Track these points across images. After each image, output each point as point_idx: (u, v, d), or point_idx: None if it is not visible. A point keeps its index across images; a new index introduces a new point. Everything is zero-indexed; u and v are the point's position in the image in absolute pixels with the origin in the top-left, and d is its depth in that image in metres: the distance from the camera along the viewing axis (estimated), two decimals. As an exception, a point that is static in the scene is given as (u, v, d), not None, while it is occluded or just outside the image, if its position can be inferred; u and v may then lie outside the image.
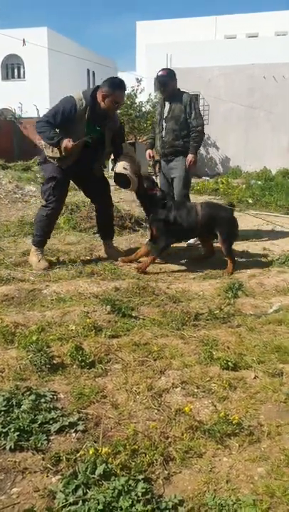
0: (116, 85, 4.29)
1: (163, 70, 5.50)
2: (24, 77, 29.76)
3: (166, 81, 5.35)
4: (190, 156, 5.33)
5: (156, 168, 5.78)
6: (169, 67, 17.78)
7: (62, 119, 4.22)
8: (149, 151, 5.80)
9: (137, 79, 16.34)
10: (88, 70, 32.94)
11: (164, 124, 5.42)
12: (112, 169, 4.76)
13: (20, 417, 1.99)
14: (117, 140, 4.60)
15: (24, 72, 29.73)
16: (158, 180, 5.56)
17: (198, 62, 16.05)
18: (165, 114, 5.42)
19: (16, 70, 30.28)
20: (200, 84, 14.10)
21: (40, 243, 4.57)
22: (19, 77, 30.16)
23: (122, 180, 4.53)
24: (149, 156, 5.79)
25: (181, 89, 5.46)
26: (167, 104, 5.43)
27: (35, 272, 4.33)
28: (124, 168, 4.44)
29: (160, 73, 5.40)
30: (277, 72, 14.63)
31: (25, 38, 21.54)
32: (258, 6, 75.22)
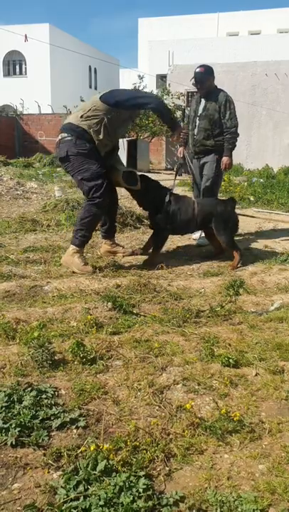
0: None
1: (200, 66, 5.37)
2: (26, 73, 29.73)
3: (203, 78, 5.27)
4: (225, 159, 5.29)
5: (178, 171, 5.72)
6: (170, 64, 17.81)
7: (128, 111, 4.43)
8: (180, 149, 5.63)
9: (139, 76, 16.31)
10: (90, 67, 32.90)
11: (197, 122, 5.37)
12: None
13: (21, 412, 1.99)
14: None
15: (26, 68, 29.70)
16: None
17: (200, 59, 15.99)
18: (199, 112, 5.37)
19: (17, 67, 30.24)
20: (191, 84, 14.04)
21: (83, 243, 4.38)
22: (21, 73, 30.13)
23: (130, 178, 4.56)
24: (180, 153, 5.62)
25: (218, 87, 5.42)
26: (203, 102, 5.37)
27: (36, 269, 4.33)
28: (128, 168, 4.56)
29: (197, 70, 5.29)
30: (280, 69, 14.59)
31: (27, 35, 21.53)
32: (260, 3, 75.09)
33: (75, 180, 4.56)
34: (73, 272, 4.18)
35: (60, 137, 4.37)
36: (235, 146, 5.36)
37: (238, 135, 5.33)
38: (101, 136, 4.25)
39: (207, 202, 4.89)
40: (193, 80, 5.31)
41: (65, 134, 4.31)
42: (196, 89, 5.48)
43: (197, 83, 5.30)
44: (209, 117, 5.27)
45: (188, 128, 5.54)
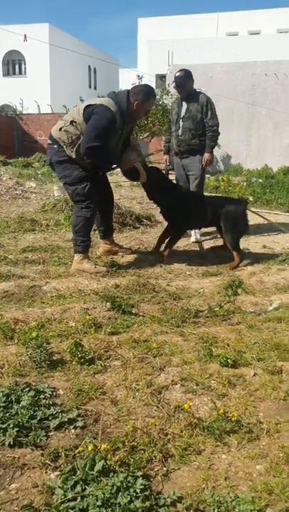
0: (150, 94, 4.30)
1: (180, 70, 5.62)
2: (25, 73, 29.73)
3: (184, 81, 5.55)
4: (207, 155, 5.60)
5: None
6: (170, 64, 17.81)
7: (109, 135, 4.09)
8: (166, 157, 6.05)
9: (138, 76, 16.28)
10: (90, 67, 32.90)
11: (181, 123, 5.62)
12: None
13: (19, 413, 1.99)
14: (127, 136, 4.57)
15: (25, 68, 29.69)
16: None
17: (200, 59, 16.05)
18: (182, 114, 5.62)
19: (17, 66, 30.25)
20: (202, 81, 14.02)
21: (87, 247, 4.36)
22: (20, 73, 30.13)
23: (130, 173, 4.59)
24: (166, 161, 6.03)
25: (197, 90, 5.68)
26: (184, 104, 5.63)
27: (35, 269, 4.33)
28: (133, 160, 4.45)
29: (178, 74, 5.58)
30: (280, 69, 14.58)
31: (27, 34, 21.53)
32: (260, 3, 75.10)
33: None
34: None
35: (48, 142, 4.39)
36: (216, 143, 5.71)
37: (219, 133, 5.65)
38: (73, 155, 4.15)
39: (218, 199, 4.99)
40: (174, 83, 5.67)
41: (50, 141, 4.31)
42: (178, 93, 5.74)
43: (178, 87, 5.63)
44: (193, 118, 5.54)
45: (172, 130, 5.82)
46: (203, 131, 5.55)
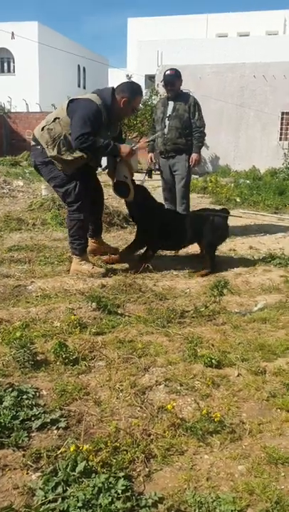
0: (137, 91, 4.26)
1: (171, 69, 5.67)
2: (14, 71, 29.50)
3: (174, 80, 5.58)
4: (195, 155, 5.64)
5: (146, 177, 5.92)
6: (159, 64, 17.83)
7: (96, 125, 3.95)
8: (150, 155, 5.96)
9: (128, 75, 16.29)
10: (79, 66, 32.77)
11: (167, 122, 5.61)
12: (104, 169, 4.64)
13: (1, 413, 1.98)
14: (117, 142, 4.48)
15: (14, 66, 29.48)
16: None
17: (189, 59, 16.08)
18: (169, 113, 5.61)
19: (5, 64, 30.01)
20: (191, 82, 14.10)
21: (84, 249, 4.32)
22: (9, 71, 29.89)
23: (119, 189, 4.45)
24: (151, 160, 5.94)
25: (184, 90, 5.76)
26: (171, 103, 5.63)
27: (20, 268, 4.30)
28: (125, 176, 4.33)
29: (168, 72, 5.60)
30: (268, 71, 14.69)
31: (16, 32, 21.37)
32: (249, 5, 75.38)
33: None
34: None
35: (31, 144, 4.28)
36: (203, 144, 5.78)
37: (205, 134, 5.70)
38: (54, 153, 4.01)
39: (199, 216, 4.84)
40: (162, 82, 5.69)
41: (33, 143, 4.22)
42: (166, 92, 5.75)
43: (167, 85, 5.63)
44: (180, 117, 5.55)
45: (156, 129, 5.80)
46: (189, 131, 5.56)
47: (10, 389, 2.19)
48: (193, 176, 6.74)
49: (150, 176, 5.40)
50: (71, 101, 4.09)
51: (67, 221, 4.32)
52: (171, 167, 5.74)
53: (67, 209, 4.33)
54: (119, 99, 4.12)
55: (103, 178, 4.88)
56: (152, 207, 4.64)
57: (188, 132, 5.57)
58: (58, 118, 4.07)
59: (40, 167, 4.22)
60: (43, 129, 4.10)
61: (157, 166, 6.03)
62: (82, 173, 4.19)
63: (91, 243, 4.81)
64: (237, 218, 7.18)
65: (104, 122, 4.07)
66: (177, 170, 5.70)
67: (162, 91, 15.04)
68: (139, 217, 4.67)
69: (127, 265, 4.50)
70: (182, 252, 5.23)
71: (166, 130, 5.60)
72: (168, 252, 5.13)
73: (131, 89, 4.19)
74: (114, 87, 4.22)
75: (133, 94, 4.18)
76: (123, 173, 4.33)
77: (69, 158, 4.04)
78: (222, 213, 4.86)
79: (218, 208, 5.76)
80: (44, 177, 4.33)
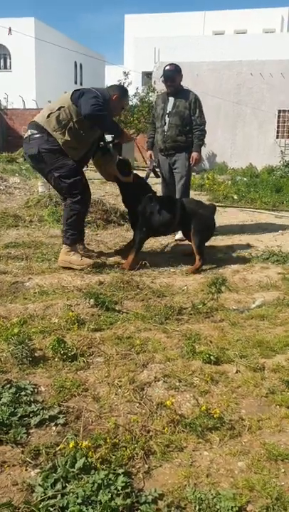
0: (126, 92, 4.54)
1: (170, 64, 5.56)
2: (10, 67, 29.37)
3: (174, 75, 5.46)
4: (195, 154, 5.50)
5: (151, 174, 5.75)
6: (156, 61, 17.77)
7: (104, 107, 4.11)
8: (150, 152, 5.81)
9: (125, 72, 16.24)
10: (76, 63, 32.66)
11: (167, 119, 5.49)
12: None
13: (-1, 409, 1.97)
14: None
15: (10, 62, 29.34)
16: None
17: (186, 57, 16.02)
18: (169, 109, 5.49)
19: (1, 61, 29.87)
20: (188, 79, 14.04)
21: (76, 240, 4.37)
22: (5, 67, 29.74)
23: (122, 165, 4.48)
24: (150, 157, 5.70)
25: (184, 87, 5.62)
26: (171, 100, 5.51)
27: (17, 264, 4.28)
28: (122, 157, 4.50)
29: (167, 67, 5.49)
30: (265, 69, 14.68)
31: (12, 28, 21.25)
32: (246, 2, 75.35)
33: (48, 179, 4.38)
34: (74, 268, 4.15)
35: (28, 133, 4.21)
36: (204, 142, 5.61)
37: (206, 132, 5.56)
38: (67, 137, 4.08)
39: (189, 204, 4.82)
40: (162, 77, 5.52)
41: (35, 131, 4.16)
42: (166, 87, 5.60)
43: (167, 80, 5.48)
44: (180, 114, 5.42)
45: (156, 126, 5.69)
46: (190, 128, 5.44)
47: (8, 385, 2.18)
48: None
49: (157, 175, 5.25)
50: (74, 92, 4.17)
51: (66, 211, 4.31)
52: (170, 165, 5.64)
53: (67, 201, 4.29)
54: (112, 95, 4.32)
55: (98, 175, 4.85)
56: (146, 189, 4.65)
57: (189, 129, 5.44)
58: (63, 107, 4.12)
59: (45, 154, 4.12)
60: (48, 116, 4.11)
61: (155, 164, 5.91)
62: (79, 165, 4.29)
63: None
64: (234, 215, 7.19)
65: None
66: (177, 168, 5.58)
67: (159, 88, 15.04)
68: (134, 202, 4.63)
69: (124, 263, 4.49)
70: (180, 250, 5.23)
71: (166, 127, 5.48)
72: (167, 251, 5.12)
73: (121, 89, 4.48)
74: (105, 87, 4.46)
75: (123, 93, 4.44)
76: (119, 156, 4.47)
77: (74, 145, 4.15)
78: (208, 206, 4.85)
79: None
80: (47, 166, 4.18)
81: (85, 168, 4.63)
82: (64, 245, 4.29)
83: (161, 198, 4.79)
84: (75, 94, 4.13)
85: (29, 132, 4.22)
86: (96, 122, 4.08)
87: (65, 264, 4.17)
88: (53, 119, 4.09)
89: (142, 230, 4.53)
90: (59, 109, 4.11)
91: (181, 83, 5.58)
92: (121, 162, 4.47)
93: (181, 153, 5.52)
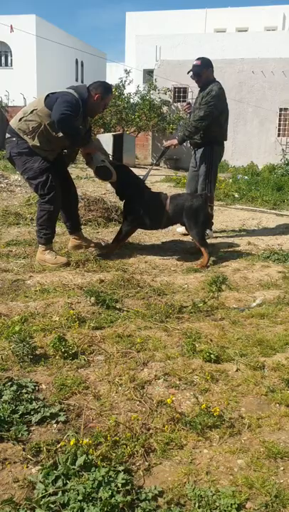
0: (109, 90, 4.43)
1: (198, 59, 5.42)
2: (11, 65, 29.32)
3: (200, 70, 5.32)
4: (174, 141, 5.34)
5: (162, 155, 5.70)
6: (158, 59, 17.75)
7: (77, 112, 4.08)
8: (172, 142, 5.50)
9: (126, 70, 16.19)
10: (77, 60, 32.60)
11: (192, 115, 5.40)
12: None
13: (1, 407, 1.98)
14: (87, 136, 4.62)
15: (12, 60, 29.30)
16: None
17: (187, 54, 15.96)
18: (196, 104, 5.41)
19: (3, 58, 29.82)
20: (189, 77, 14.07)
21: (50, 239, 4.40)
22: (6, 65, 29.70)
23: (101, 173, 4.59)
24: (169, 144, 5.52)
25: (212, 80, 5.40)
26: (200, 94, 5.40)
27: (19, 262, 4.29)
28: (102, 160, 4.52)
29: (194, 62, 5.38)
30: (266, 67, 14.64)
31: (13, 26, 21.22)
32: (248, 0, 75.08)
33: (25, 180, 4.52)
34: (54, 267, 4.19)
35: (6, 136, 4.31)
36: (190, 137, 5.34)
37: (198, 128, 5.22)
38: (36, 141, 4.12)
39: (178, 197, 4.86)
40: (191, 72, 5.37)
41: (9, 135, 4.26)
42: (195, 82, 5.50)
43: (194, 76, 5.38)
44: (199, 109, 5.28)
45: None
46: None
47: (9, 383, 2.19)
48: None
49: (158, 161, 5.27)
50: (48, 95, 4.17)
51: (38, 211, 4.41)
52: (196, 159, 5.51)
53: (38, 200, 4.40)
54: (93, 94, 4.29)
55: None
56: (137, 183, 4.82)
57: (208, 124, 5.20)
58: (36, 109, 4.15)
59: (15, 158, 4.25)
60: (20, 120, 4.17)
61: (155, 161, 5.91)
62: (55, 166, 4.31)
63: (72, 240, 4.79)
64: (235, 214, 7.19)
65: (80, 115, 4.19)
66: (198, 162, 5.45)
67: (160, 86, 15.04)
68: (126, 194, 4.81)
69: (125, 261, 4.50)
70: (180, 248, 5.24)
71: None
72: (166, 249, 5.13)
73: (104, 87, 4.36)
74: (88, 84, 4.38)
75: (105, 92, 4.36)
76: (100, 159, 4.50)
77: (46, 148, 4.19)
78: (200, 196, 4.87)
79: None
80: (17, 169, 4.37)
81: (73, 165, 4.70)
82: (39, 245, 4.38)
83: (149, 192, 4.89)
84: (48, 98, 4.12)
85: (6, 135, 4.32)
86: (61, 130, 4.07)
87: (41, 263, 4.27)
88: (23, 123, 4.15)
89: (127, 221, 4.78)
90: (32, 112, 4.15)
91: (183, 81, 5.46)
92: (98, 170, 4.56)
93: (200, 148, 5.41)
